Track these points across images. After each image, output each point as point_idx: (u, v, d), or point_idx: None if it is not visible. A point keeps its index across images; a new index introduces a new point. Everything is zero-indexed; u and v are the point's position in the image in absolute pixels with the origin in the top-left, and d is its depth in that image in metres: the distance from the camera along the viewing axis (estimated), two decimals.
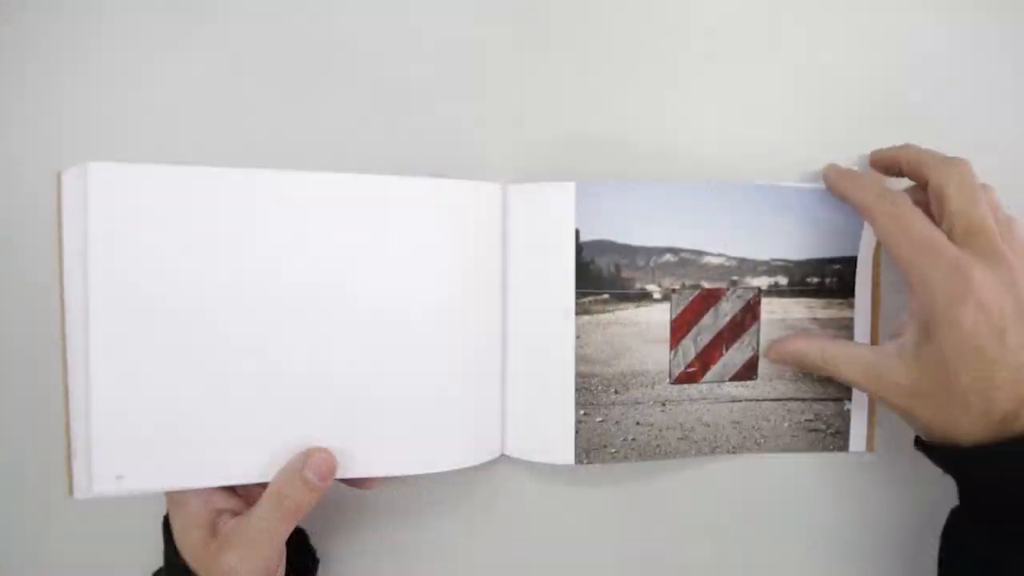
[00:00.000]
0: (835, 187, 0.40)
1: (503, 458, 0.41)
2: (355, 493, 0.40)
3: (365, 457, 0.37)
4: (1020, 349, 0.32)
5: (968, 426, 0.33)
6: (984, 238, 0.33)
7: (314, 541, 0.42)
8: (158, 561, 0.38)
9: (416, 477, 0.38)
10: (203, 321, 0.34)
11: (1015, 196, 0.37)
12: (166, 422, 0.34)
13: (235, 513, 0.36)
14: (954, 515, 0.36)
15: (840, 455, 0.43)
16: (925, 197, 0.37)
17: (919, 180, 0.38)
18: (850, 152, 0.42)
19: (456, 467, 0.39)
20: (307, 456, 0.35)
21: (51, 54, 0.41)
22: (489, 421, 0.41)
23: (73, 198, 0.33)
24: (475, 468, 0.40)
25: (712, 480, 0.44)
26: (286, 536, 0.35)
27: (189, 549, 0.35)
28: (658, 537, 0.44)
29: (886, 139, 0.40)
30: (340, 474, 0.36)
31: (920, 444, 0.36)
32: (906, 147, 0.38)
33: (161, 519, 0.37)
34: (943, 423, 0.34)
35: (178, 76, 0.42)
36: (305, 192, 0.36)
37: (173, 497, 0.36)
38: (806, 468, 0.44)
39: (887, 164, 0.40)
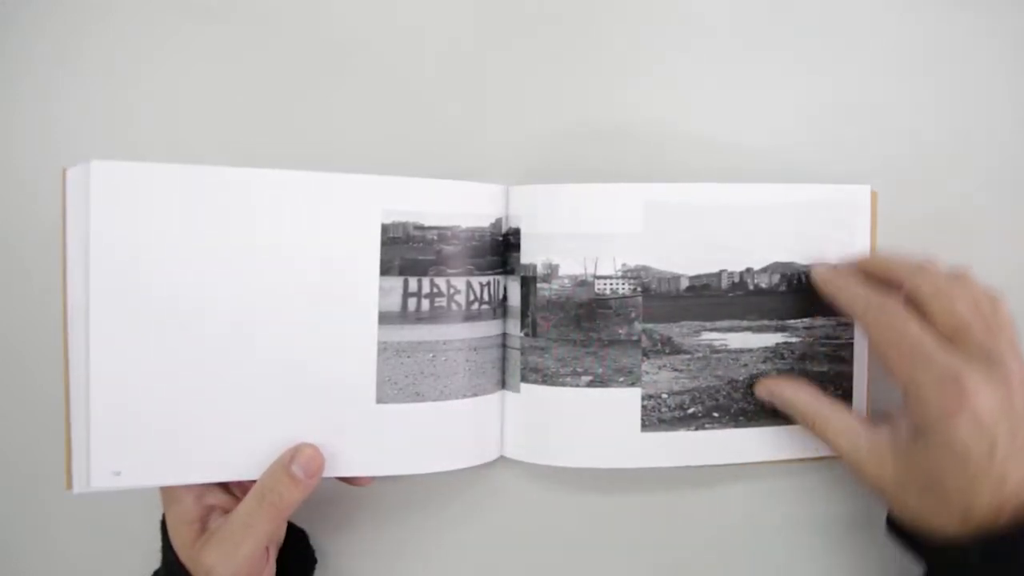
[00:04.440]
0: (825, 289, 0.39)
1: (502, 459, 0.41)
2: (352, 491, 0.41)
3: (361, 457, 0.37)
4: (1007, 459, 0.32)
5: (943, 524, 0.33)
6: (970, 338, 0.33)
7: (312, 539, 0.42)
8: (158, 561, 0.38)
9: (413, 476, 0.39)
10: (200, 319, 0.35)
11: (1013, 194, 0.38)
12: (163, 418, 0.35)
13: (227, 511, 0.36)
14: None
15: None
16: None
17: (893, 286, 0.37)
18: (849, 155, 0.43)
19: (452, 468, 0.39)
20: (295, 451, 0.35)
21: (53, 53, 0.43)
22: (488, 423, 0.40)
23: (77, 195, 0.34)
24: (473, 469, 0.40)
25: (707, 483, 0.44)
26: (268, 534, 0.35)
27: (180, 546, 0.36)
28: (654, 539, 0.44)
29: (884, 140, 0.41)
30: (335, 473, 0.37)
31: (891, 530, 0.37)
32: (872, 257, 0.39)
33: (160, 518, 0.38)
34: (919, 518, 0.34)
35: (181, 76, 0.43)
36: (305, 192, 0.36)
37: (167, 494, 0.36)
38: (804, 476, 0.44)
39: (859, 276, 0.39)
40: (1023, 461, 0.32)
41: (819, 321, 0.41)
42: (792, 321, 0.41)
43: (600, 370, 0.40)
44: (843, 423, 0.37)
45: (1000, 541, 0.31)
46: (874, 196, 0.41)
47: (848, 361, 0.41)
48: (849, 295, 0.37)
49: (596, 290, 0.39)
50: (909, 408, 0.34)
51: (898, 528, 0.36)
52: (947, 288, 0.34)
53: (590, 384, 0.40)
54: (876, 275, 0.38)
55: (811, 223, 0.41)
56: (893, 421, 0.36)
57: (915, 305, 0.35)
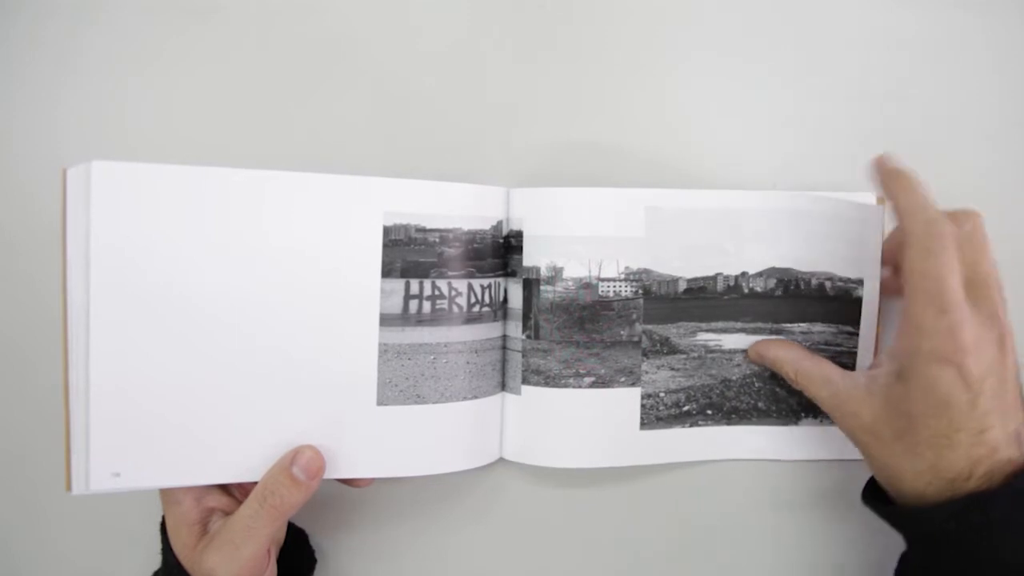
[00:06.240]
0: (884, 187, 0.36)
1: (501, 461, 0.42)
2: (352, 492, 0.41)
3: (361, 458, 0.37)
4: (987, 415, 0.31)
5: (913, 478, 0.32)
6: (987, 294, 0.33)
7: (312, 539, 0.43)
8: (158, 562, 0.38)
9: (413, 477, 0.39)
10: (200, 321, 0.35)
11: (1010, 191, 0.38)
12: (163, 420, 0.35)
13: (227, 513, 0.36)
14: (903, 561, 0.36)
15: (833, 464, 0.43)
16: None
17: None
18: (848, 156, 0.42)
19: (452, 470, 0.39)
20: (296, 453, 0.35)
21: (53, 53, 0.43)
22: (488, 425, 0.40)
23: (77, 195, 0.34)
24: (472, 471, 0.40)
25: (706, 483, 0.44)
26: (270, 536, 0.35)
27: (180, 548, 0.36)
28: (651, 539, 0.44)
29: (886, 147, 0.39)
30: (336, 475, 0.37)
31: (866, 499, 0.36)
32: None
33: (160, 519, 0.38)
34: (892, 468, 0.33)
35: (181, 77, 0.43)
36: (306, 194, 0.36)
37: (167, 495, 0.36)
38: (799, 474, 0.44)
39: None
40: (1007, 420, 0.31)
41: (818, 327, 0.42)
42: (788, 325, 0.41)
43: (603, 371, 0.40)
44: (822, 374, 0.37)
45: (969, 499, 0.31)
46: (882, 202, 0.40)
47: (850, 369, 0.41)
48: (910, 201, 0.34)
49: (600, 292, 0.40)
50: (900, 344, 0.34)
51: (873, 498, 0.36)
52: (978, 239, 0.34)
53: (592, 385, 0.40)
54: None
55: (811, 230, 0.41)
56: (875, 367, 0.36)
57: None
